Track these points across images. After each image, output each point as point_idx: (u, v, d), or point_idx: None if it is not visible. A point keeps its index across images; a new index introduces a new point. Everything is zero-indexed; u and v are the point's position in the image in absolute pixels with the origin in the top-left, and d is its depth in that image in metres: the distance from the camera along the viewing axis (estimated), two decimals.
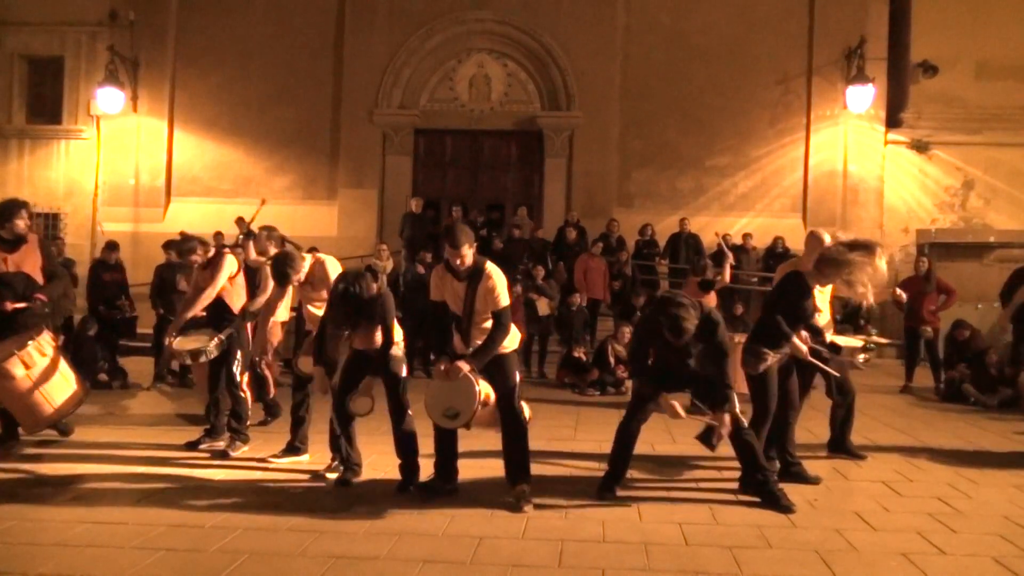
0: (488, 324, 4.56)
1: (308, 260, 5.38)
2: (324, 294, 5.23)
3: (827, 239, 5.26)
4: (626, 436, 4.82)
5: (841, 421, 5.86)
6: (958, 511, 4.58)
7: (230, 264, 5.93)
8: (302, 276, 5.30)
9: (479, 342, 4.54)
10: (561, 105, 14.30)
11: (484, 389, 4.48)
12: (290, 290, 5.84)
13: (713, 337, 4.55)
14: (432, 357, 4.71)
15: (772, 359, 4.97)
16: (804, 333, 5.06)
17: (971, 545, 4.00)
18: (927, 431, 7.13)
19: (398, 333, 4.99)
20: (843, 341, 5.67)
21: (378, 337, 4.82)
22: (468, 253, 4.45)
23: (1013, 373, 8.58)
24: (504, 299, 4.54)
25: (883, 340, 5.82)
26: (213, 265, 5.92)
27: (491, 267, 4.56)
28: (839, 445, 5.88)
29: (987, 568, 3.71)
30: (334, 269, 5.35)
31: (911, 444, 6.48)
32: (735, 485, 4.87)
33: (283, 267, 5.21)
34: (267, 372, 6.74)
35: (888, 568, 3.68)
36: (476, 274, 4.50)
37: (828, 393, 5.82)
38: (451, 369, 4.45)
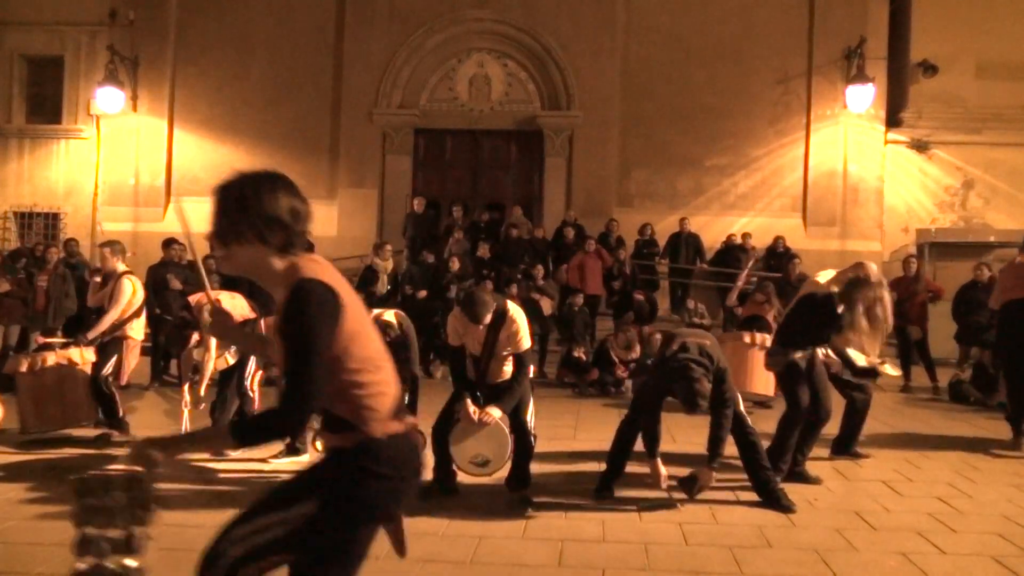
0: (505, 356, 4.55)
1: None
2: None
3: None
4: (625, 437, 4.84)
5: (854, 424, 5.82)
6: (958, 511, 4.58)
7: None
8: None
9: (497, 378, 4.57)
10: (561, 105, 14.28)
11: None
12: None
13: (720, 385, 4.49)
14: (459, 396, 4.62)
15: (796, 355, 5.00)
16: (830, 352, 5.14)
17: (971, 545, 4.00)
18: (927, 431, 7.13)
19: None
20: (859, 360, 5.64)
21: None
22: (489, 316, 4.41)
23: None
24: (526, 341, 4.54)
25: (894, 373, 5.79)
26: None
27: (513, 310, 4.52)
28: (844, 446, 5.85)
29: (987, 568, 3.71)
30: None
31: (911, 444, 6.48)
32: (735, 485, 4.87)
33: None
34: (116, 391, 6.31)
35: (888, 568, 3.68)
36: (498, 317, 4.47)
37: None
38: (486, 416, 4.41)
